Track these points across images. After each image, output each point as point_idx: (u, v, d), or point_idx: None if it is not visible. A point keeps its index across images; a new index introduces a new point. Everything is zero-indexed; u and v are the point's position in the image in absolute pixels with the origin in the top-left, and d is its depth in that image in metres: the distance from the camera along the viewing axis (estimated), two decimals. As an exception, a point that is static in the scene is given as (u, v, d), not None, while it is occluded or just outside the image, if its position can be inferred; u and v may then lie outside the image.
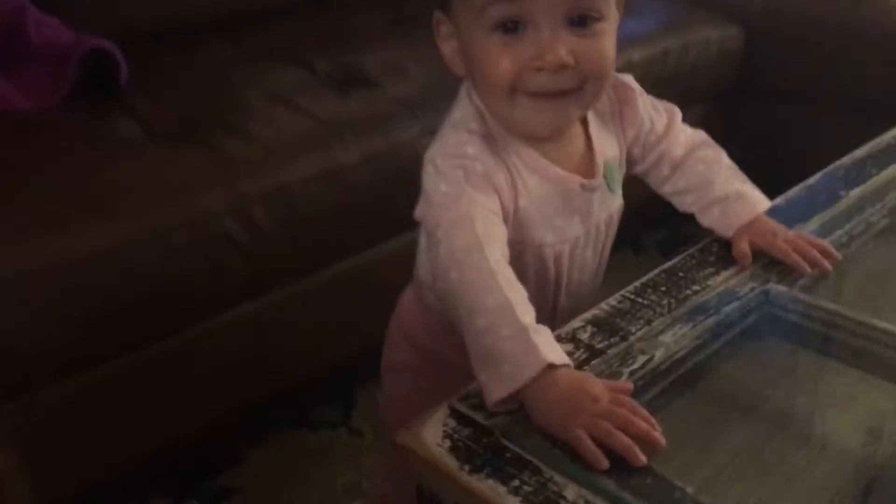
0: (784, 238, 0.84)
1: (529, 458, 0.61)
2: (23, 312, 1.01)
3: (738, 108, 2.06)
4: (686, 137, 0.90)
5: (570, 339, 0.74)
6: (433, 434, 0.63)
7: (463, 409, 0.66)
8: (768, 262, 0.84)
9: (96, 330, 1.06)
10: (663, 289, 0.81)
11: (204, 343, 1.22)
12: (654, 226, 2.07)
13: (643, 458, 0.58)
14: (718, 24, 1.94)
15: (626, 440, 0.59)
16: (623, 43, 1.66)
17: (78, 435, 1.11)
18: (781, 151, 2.07)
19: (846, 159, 1.08)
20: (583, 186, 0.81)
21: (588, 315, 0.77)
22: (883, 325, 0.75)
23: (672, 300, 0.79)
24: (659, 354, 0.72)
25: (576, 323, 0.76)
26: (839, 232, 0.91)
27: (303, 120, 1.32)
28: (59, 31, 1.45)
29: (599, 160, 0.83)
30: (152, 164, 1.19)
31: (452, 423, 0.65)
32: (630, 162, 0.89)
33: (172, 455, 1.28)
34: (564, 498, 0.57)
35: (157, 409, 1.19)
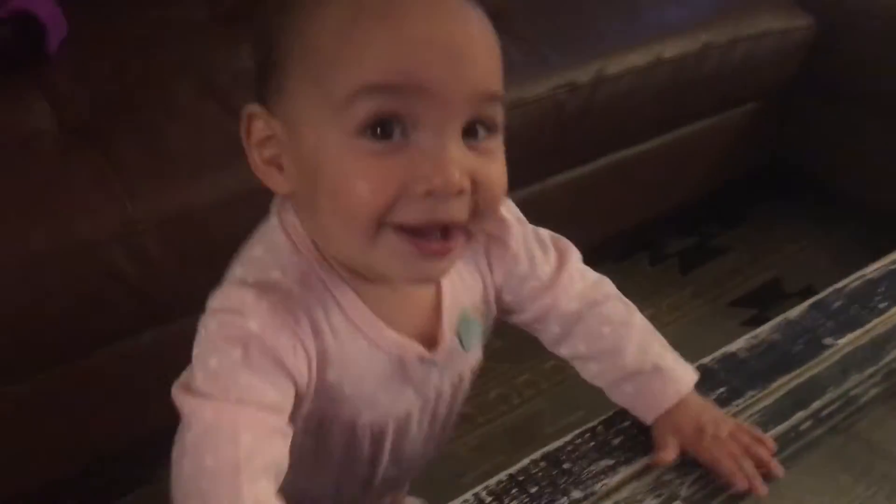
0: (713, 435, 0.63)
1: None
2: None
3: (795, 109, 1.76)
4: (582, 287, 0.68)
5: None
6: None
7: None
8: (683, 462, 0.64)
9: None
10: (533, 489, 0.62)
11: (99, 372, 1.09)
12: (681, 232, 1.83)
13: None
14: (784, 12, 1.63)
15: None
16: (653, 35, 1.46)
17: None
18: (840, 162, 1.78)
19: (853, 279, 0.84)
20: (421, 359, 0.61)
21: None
22: None
23: (535, 512, 0.60)
24: None
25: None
26: (801, 414, 0.69)
27: (229, 122, 1.12)
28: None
29: (448, 322, 0.62)
30: (33, 174, 1.02)
31: None
32: (503, 310, 0.68)
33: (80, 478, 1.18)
34: None
35: (55, 435, 1.10)
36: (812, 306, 0.81)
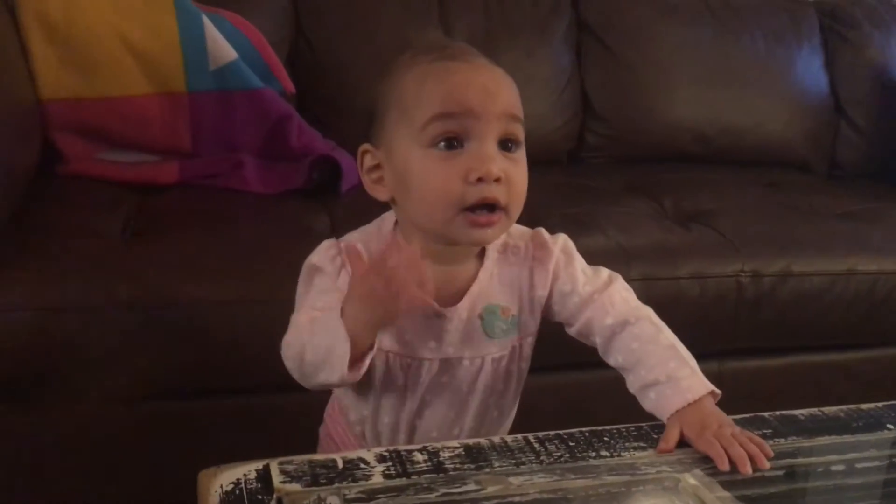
0: (715, 432, 0.75)
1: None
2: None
3: None
4: (621, 308, 0.85)
5: (429, 456, 0.74)
6: (228, 479, 0.69)
7: (273, 469, 0.70)
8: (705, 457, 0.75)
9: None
10: (571, 443, 0.77)
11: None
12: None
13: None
14: None
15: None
16: (847, 247, 1.57)
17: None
18: None
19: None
20: (435, 312, 0.83)
21: (470, 441, 0.76)
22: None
23: (566, 454, 0.75)
24: (489, 491, 0.69)
25: (450, 443, 0.76)
26: (833, 457, 0.77)
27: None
28: (316, 140, 1.75)
29: (469, 299, 0.84)
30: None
31: (253, 479, 0.69)
32: (561, 322, 0.89)
33: None
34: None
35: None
36: (888, 406, 0.88)
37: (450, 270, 0.85)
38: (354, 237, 0.87)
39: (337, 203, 1.61)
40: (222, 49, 1.60)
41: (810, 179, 2.12)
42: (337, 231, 1.48)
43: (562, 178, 1.95)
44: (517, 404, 0.93)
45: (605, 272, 0.88)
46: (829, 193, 1.96)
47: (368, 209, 1.55)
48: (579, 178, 1.93)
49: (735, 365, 1.56)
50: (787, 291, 1.52)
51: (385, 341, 0.84)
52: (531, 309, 0.87)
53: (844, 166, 2.23)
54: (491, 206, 0.78)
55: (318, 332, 0.78)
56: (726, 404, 0.84)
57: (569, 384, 1.47)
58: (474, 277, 0.85)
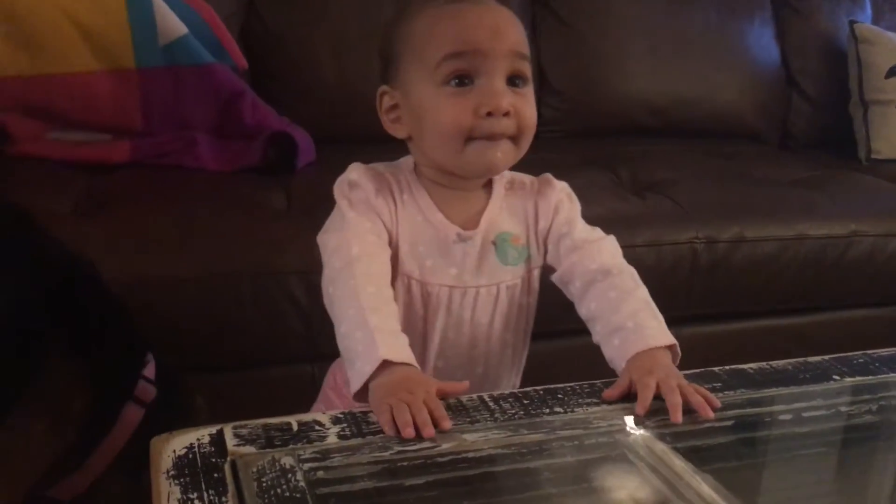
0: (659, 379, 0.76)
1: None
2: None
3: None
4: (607, 259, 0.88)
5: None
6: (181, 444, 0.68)
7: (227, 433, 0.70)
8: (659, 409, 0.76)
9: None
10: (525, 401, 0.78)
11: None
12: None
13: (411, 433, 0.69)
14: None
15: (408, 417, 0.70)
16: (797, 213, 1.61)
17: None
18: None
19: (888, 350, 0.92)
20: (458, 236, 0.87)
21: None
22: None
23: (520, 412, 0.76)
24: (444, 448, 0.69)
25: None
26: (781, 407, 0.79)
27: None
28: (270, 117, 1.73)
29: (485, 224, 0.88)
30: (261, 227, 1.37)
31: (206, 443, 0.69)
32: (548, 266, 0.91)
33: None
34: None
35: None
36: (834, 358, 0.90)
37: (464, 195, 0.88)
38: (381, 167, 0.89)
39: (293, 179, 1.60)
40: (172, 24, 1.57)
41: (762, 149, 2.16)
42: (294, 207, 1.47)
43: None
44: (526, 351, 0.96)
45: (600, 230, 0.92)
46: (780, 162, 2.00)
47: (325, 185, 1.57)
48: (536, 153, 1.91)
49: (691, 331, 1.57)
50: (741, 257, 1.54)
51: (406, 266, 0.86)
52: (536, 241, 0.91)
53: (796, 136, 2.27)
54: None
55: (354, 327, 0.78)
56: (683, 369, 0.85)
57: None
58: (486, 205, 0.88)
